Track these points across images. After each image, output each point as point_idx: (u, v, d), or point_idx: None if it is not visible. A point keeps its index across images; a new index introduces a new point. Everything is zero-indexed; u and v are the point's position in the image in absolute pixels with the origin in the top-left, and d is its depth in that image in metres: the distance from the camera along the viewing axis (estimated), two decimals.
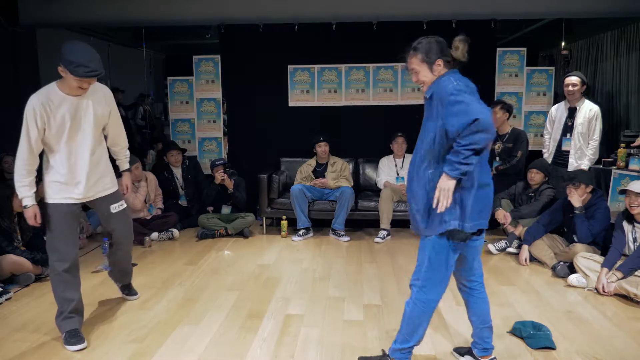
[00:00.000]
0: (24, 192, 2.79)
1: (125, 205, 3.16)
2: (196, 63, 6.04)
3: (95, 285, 3.80)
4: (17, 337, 2.91)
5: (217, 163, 5.26)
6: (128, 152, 3.26)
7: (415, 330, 2.35)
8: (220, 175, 5.12)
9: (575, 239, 3.99)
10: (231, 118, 6.15)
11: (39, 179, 2.90)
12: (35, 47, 6.05)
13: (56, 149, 2.80)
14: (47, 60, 6.32)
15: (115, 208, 3.07)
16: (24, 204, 2.81)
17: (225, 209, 5.30)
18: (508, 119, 5.11)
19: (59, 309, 2.89)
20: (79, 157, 2.84)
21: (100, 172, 2.95)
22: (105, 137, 3.04)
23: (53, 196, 2.84)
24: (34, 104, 2.69)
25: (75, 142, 2.81)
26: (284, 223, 5.22)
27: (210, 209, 5.36)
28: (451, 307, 3.32)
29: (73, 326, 2.85)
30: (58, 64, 2.65)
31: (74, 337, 2.82)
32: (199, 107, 6.10)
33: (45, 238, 4.14)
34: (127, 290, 3.54)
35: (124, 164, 3.24)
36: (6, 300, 3.46)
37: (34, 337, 2.91)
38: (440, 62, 2.25)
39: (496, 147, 5.07)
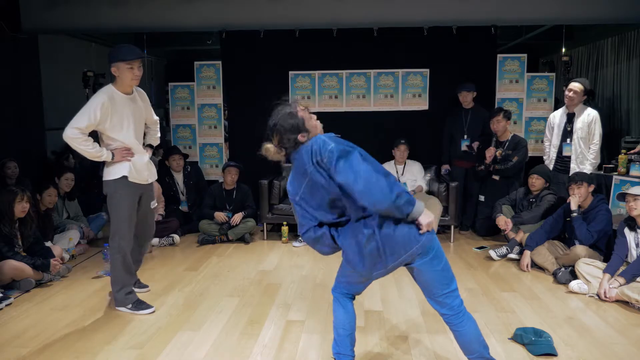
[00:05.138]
0: (96, 150, 3.12)
1: (156, 204, 3.65)
2: (197, 69, 6.07)
3: (96, 290, 3.79)
4: (17, 343, 2.91)
5: (230, 164, 5.30)
6: (159, 132, 3.68)
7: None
8: (220, 219, 5.08)
9: (577, 242, 3.99)
10: (232, 124, 6.16)
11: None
12: (37, 53, 6.07)
13: (122, 140, 3.20)
14: (49, 67, 6.35)
15: (153, 204, 3.53)
16: (108, 158, 3.16)
17: (227, 214, 5.29)
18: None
19: (120, 286, 3.33)
20: (139, 147, 3.31)
21: (151, 161, 3.43)
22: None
23: (130, 174, 3.22)
24: (103, 98, 3.10)
25: (134, 134, 3.26)
26: (285, 229, 5.21)
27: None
28: None
29: (135, 297, 3.37)
30: (110, 67, 3.12)
31: (141, 304, 3.34)
32: (200, 113, 6.12)
33: (47, 243, 4.15)
34: (138, 283, 3.72)
35: (152, 140, 3.62)
36: (6, 305, 3.45)
37: (34, 343, 2.90)
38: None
39: (497, 153, 5.08)
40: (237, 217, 5.09)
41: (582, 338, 2.94)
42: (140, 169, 3.28)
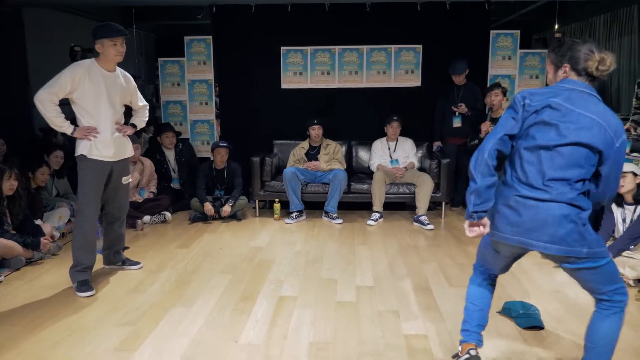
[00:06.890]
0: (61, 120, 3.14)
1: (130, 181, 3.61)
2: (187, 44, 5.96)
3: None
4: (9, 321, 2.91)
5: (219, 144, 5.24)
6: (146, 116, 3.66)
7: None
8: (209, 212, 5.01)
9: None
10: (223, 100, 6.10)
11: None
12: (22, 27, 5.91)
13: (91, 113, 3.21)
14: (35, 41, 6.20)
15: (125, 180, 3.49)
16: (68, 131, 3.16)
17: (218, 193, 5.28)
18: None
19: (74, 263, 3.33)
20: (108, 123, 3.25)
21: (121, 138, 3.37)
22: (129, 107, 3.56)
23: (89, 152, 3.21)
24: (78, 69, 3.15)
25: (106, 110, 3.24)
26: (277, 206, 5.22)
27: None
28: (443, 288, 3.36)
29: (84, 277, 3.30)
30: (94, 44, 3.17)
31: (84, 285, 3.26)
32: (191, 89, 6.04)
33: (37, 221, 4.12)
34: (128, 261, 3.75)
35: (136, 121, 3.59)
36: None
37: (25, 321, 2.90)
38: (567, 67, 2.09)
39: (490, 129, 5.08)
40: (227, 209, 5.04)
41: (568, 311, 3.00)
42: (103, 146, 3.24)
